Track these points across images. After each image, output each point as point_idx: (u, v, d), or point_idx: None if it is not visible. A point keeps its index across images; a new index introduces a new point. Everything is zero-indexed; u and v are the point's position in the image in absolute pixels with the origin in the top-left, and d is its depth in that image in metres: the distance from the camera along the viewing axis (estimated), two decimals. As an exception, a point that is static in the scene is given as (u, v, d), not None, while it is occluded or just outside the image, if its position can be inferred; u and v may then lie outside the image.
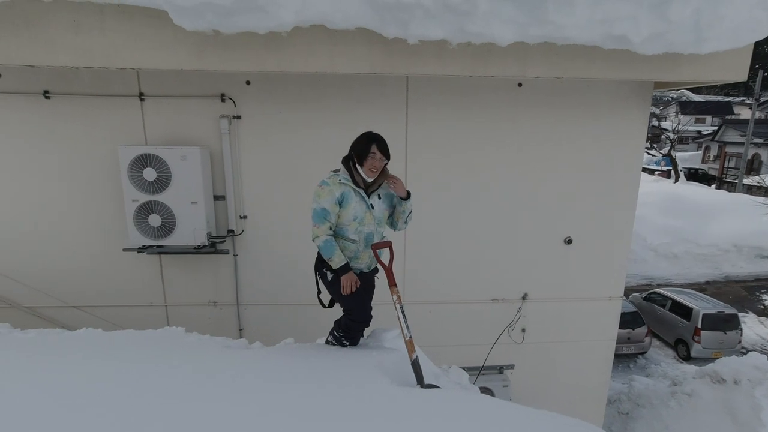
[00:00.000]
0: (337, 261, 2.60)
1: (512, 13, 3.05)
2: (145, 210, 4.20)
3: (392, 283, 2.63)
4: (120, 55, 3.36)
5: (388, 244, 2.77)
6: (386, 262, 2.72)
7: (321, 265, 2.82)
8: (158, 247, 4.34)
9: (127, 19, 3.27)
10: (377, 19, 3.12)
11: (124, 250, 4.40)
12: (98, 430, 1.68)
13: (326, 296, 2.92)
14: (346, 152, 2.69)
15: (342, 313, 2.95)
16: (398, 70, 3.56)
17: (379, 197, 2.75)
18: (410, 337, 2.56)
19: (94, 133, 4.28)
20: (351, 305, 2.83)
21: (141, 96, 4.23)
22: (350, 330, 2.95)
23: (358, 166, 2.61)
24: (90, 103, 4.21)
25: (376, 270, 2.92)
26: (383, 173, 2.70)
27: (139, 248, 4.35)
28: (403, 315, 2.58)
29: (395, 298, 2.59)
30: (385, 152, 2.61)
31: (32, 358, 2.57)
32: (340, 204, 2.60)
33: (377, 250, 2.69)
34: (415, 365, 2.51)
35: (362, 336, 3.11)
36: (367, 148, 2.57)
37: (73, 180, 4.39)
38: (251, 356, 2.85)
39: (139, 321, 4.55)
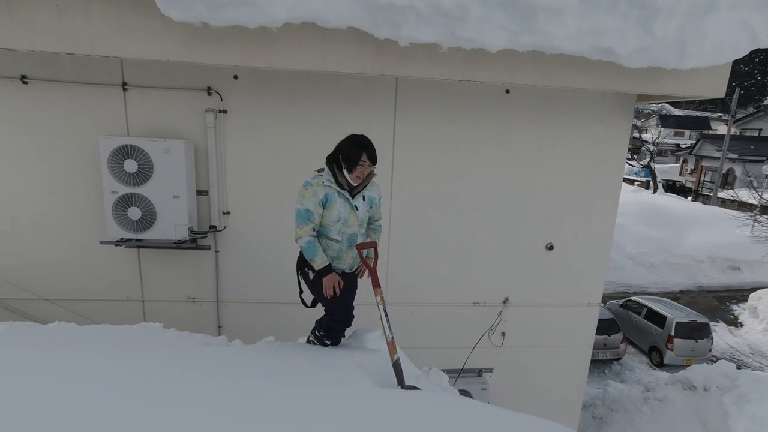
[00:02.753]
0: (319, 262, 2.59)
1: (503, 20, 3.09)
2: (124, 202, 4.10)
3: (376, 283, 2.63)
4: (104, 42, 3.28)
5: (373, 245, 2.76)
6: (370, 263, 2.72)
7: (303, 264, 2.80)
8: (137, 240, 4.25)
9: (113, 6, 3.19)
10: (369, 19, 3.12)
11: (101, 242, 4.29)
12: (68, 426, 1.63)
13: (308, 296, 2.90)
14: (331, 151, 2.66)
15: (324, 313, 2.93)
16: (388, 71, 3.56)
17: (364, 198, 2.73)
18: (392, 338, 2.56)
19: (74, 121, 4.16)
20: (333, 305, 2.81)
21: (124, 85, 4.13)
22: (332, 330, 2.93)
23: (345, 171, 2.58)
24: (70, 90, 4.09)
25: (358, 270, 2.92)
26: (368, 174, 2.70)
27: (117, 241, 4.24)
28: (386, 316, 2.57)
29: (378, 298, 2.58)
30: (375, 159, 2.60)
31: (0, 352, 2.48)
32: (324, 205, 2.59)
33: (362, 251, 2.68)
34: (397, 366, 2.51)
35: (344, 336, 3.10)
36: (357, 155, 2.53)
37: (49, 169, 4.25)
38: (231, 354, 2.80)
39: (114, 316, 4.44)
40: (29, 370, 2.13)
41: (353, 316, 2.90)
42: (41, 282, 4.51)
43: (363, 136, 2.62)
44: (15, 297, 4.49)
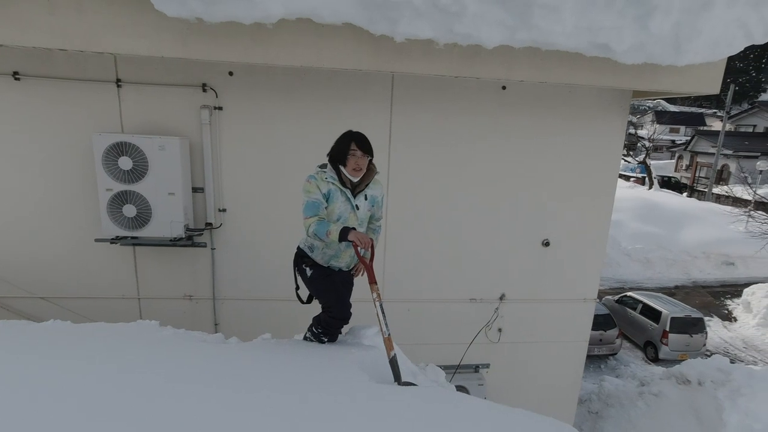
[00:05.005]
0: (335, 229, 2.45)
1: (500, 16, 3.08)
2: (119, 200, 4.07)
3: (372, 280, 2.62)
4: (98, 38, 3.25)
5: (369, 244, 2.76)
6: (367, 260, 2.72)
7: (300, 260, 2.80)
8: (132, 238, 4.23)
9: (106, 1, 3.16)
10: (365, 15, 3.10)
11: (96, 240, 4.27)
12: (61, 425, 1.63)
13: (304, 292, 2.90)
14: (328, 147, 2.66)
15: (321, 310, 2.93)
16: (385, 67, 3.55)
17: (366, 197, 2.72)
18: (389, 334, 2.56)
19: (67, 118, 4.13)
20: (330, 302, 2.81)
21: (118, 82, 4.09)
22: (329, 326, 2.93)
23: (341, 166, 2.57)
24: (63, 86, 4.05)
25: (354, 268, 2.92)
26: (370, 171, 2.68)
27: (113, 239, 4.22)
28: (383, 312, 2.57)
29: (375, 295, 2.58)
30: (366, 149, 2.56)
31: (-5, 351, 2.46)
32: (327, 200, 2.58)
33: (358, 248, 2.68)
34: (393, 363, 2.51)
35: (341, 333, 3.10)
36: (347, 146, 2.53)
37: (43, 166, 4.22)
38: (228, 352, 2.80)
39: (110, 314, 4.43)
40: (23, 369, 2.12)
41: (351, 313, 2.91)
42: (36, 280, 4.48)
43: (351, 130, 2.62)
44: (10, 295, 4.46)
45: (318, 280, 2.76)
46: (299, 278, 2.86)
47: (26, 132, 4.12)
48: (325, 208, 2.57)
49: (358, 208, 2.67)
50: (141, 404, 1.83)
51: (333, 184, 2.57)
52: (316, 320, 2.99)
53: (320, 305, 2.91)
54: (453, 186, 4.75)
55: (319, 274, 2.76)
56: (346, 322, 2.94)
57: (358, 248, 2.62)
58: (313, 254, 2.75)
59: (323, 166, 2.64)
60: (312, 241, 2.73)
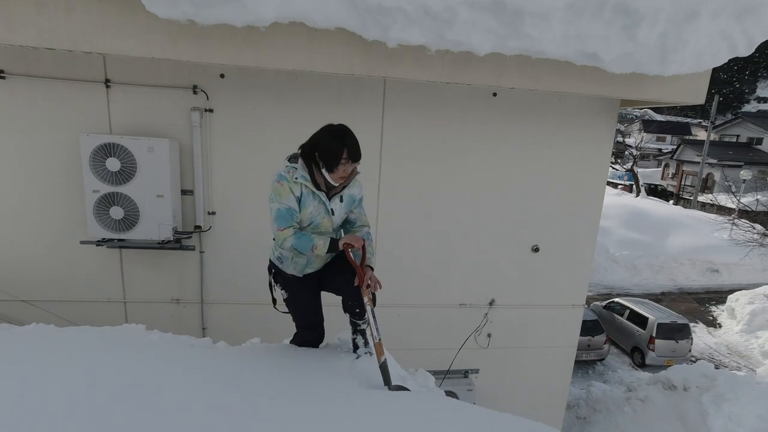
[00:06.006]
0: (321, 244, 2.21)
1: (491, 24, 3.12)
2: (106, 201, 4.01)
3: (363, 283, 2.59)
4: (87, 38, 3.21)
5: (361, 244, 2.70)
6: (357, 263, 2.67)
7: (274, 279, 2.58)
8: (119, 240, 4.16)
9: (96, 1, 3.13)
10: (358, 20, 3.12)
11: (82, 242, 4.19)
12: (45, 431, 1.59)
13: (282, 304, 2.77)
14: (307, 141, 2.32)
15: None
16: (376, 72, 3.56)
17: (341, 199, 2.38)
18: (379, 339, 2.54)
19: (54, 118, 4.06)
20: (298, 324, 2.73)
21: (107, 82, 4.05)
22: (298, 336, 2.83)
23: (324, 170, 2.21)
24: (51, 86, 3.99)
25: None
26: (351, 172, 2.37)
27: (99, 241, 4.15)
28: (374, 317, 2.56)
29: (366, 299, 2.56)
30: (357, 156, 2.22)
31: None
32: (299, 203, 2.26)
33: (349, 250, 2.60)
34: (384, 367, 2.50)
35: (321, 339, 2.92)
36: (338, 154, 2.15)
37: (28, 167, 4.14)
38: (215, 356, 2.76)
39: (95, 317, 4.34)
40: (4, 374, 2.07)
41: (319, 323, 2.75)
42: (19, 282, 4.38)
43: (342, 127, 2.24)
44: (-9, 298, 4.36)
45: (289, 302, 2.60)
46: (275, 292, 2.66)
47: (12, 131, 4.05)
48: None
49: (333, 213, 2.35)
50: (127, 410, 1.80)
51: (305, 186, 2.23)
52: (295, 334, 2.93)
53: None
54: (443, 191, 4.77)
55: (291, 294, 2.57)
56: (315, 334, 2.81)
57: (350, 252, 2.40)
58: (283, 266, 2.46)
59: (293, 159, 2.28)
60: (281, 252, 2.42)
